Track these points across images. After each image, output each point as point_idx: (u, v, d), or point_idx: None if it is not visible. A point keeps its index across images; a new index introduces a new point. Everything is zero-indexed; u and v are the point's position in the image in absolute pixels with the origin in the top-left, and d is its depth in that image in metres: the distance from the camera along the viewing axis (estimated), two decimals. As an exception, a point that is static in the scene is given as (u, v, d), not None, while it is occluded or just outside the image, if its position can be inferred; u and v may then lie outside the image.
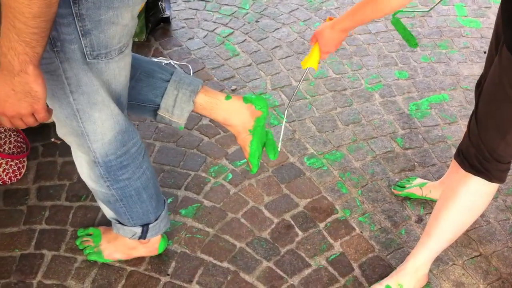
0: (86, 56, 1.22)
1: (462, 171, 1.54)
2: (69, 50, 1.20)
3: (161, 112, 1.60)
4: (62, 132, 1.43)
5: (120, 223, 1.72)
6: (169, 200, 2.06)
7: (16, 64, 1.05)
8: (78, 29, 1.17)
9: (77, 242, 1.90)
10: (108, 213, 1.72)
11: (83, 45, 1.20)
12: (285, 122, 1.53)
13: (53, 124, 2.30)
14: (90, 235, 1.90)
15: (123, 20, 1.22)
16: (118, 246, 1.84)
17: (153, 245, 1.84)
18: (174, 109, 1.61)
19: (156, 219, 1.74)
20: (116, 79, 1.34)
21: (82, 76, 1.26)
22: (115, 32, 1.22)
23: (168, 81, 1.59)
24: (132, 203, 1.62)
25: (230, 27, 2.91)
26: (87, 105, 1.32)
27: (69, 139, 1.45)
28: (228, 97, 1.66)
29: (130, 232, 1.73)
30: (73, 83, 1.27)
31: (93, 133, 1.39)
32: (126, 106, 1.47)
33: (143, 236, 1.74)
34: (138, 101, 1.60)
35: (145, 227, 1.72)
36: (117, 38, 1.24)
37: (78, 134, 1.39)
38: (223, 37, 2.85)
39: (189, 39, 2.84)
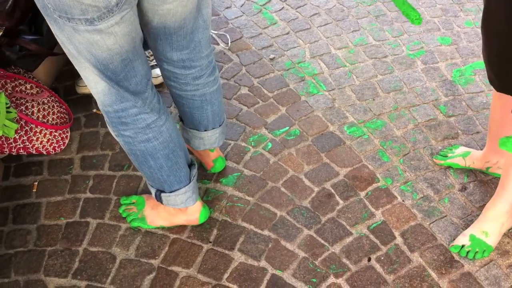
0: (51, 12, 1.26)
1: None
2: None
3: (180, 124, 1.95)
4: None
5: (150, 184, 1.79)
6: (207, 182, 2.07)
7: None
8: None
9: (120, 210, 1.93)
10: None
11: (45, 0, 1.24)
12: None
13: (94, 95, 2.34)
14: (133, 203, 1.93)
15: None
16: (160, 212, 1.87)
17: (193, 215, 1.86)
18: (190, 139, 1.94)
19: (171, 192, 1.75)
20: (95, 47, 1.33)
21: (54, 26, 1.30)
22: (70, 3, 1.21)
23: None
24: (140, 163, 1.66)
25: (268, -5, 2.87)
26: (75, 52, 1.36)
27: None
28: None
29: (149, 189, 1.79)
30: (51, 24, 1.31)
31: (86, 79, 1.45)
32: (126, 75, 1.45)
33: (158, 199, 1.78)
34: (180, 106, 1.82)
35: (158, 192, 1.76)
36: (77, 9, 1.22)
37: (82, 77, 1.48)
38: (261, 5, 2.82)
39: (227, 8, 2.82)
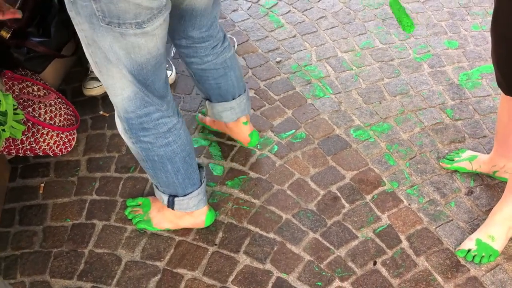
0: (99, 19, 1.25)
1: None
2: (82, 7, 1.24)
3: (208, 105, 1.99)
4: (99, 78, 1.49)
5: (154, 184, 1.79)
6: (217, 172, 2.07)
7: None
8: None
9: (126, 212, 1.93)
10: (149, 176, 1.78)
11: (94, 8, 1.23)
12: None
13: (101, 97, 2.35)
14: (139, 205, 1.94)
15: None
16: (166, 215, 1.87)
17: (199, 217, 1.86)
18: (222, 113, 2.00)
19: (185, 195, 1.76)
20: (136, 51, 1.34)
21: (96, 33, 1.29)
22: (127, 8, 1.22)
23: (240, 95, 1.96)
24: (157, 169, 1.66)
25: (274, -2, 2.88)
26: (104, 60, 1.36)
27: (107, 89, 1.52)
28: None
29: (159, 196, 1.78)
30: (88, 36, 1.31)
31: (112, 86, 1.45)
32: (155, 78, 1.47)
33: (170, 205, 1.78)
34: (205, 81, 1.88)
35: (171, 198, 1.76)
36: (131, 13, 1.24)
37: (104, 85, 1.48)
38: (267, 8, 2.82)
39: (233, 11, 2.82)
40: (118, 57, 1.35)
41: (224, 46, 1.83)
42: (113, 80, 1.43)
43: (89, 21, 1.27)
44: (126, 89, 1.45)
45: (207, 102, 2.02)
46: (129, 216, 1.92)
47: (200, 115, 2.24)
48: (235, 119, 2.03)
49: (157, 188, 1.79)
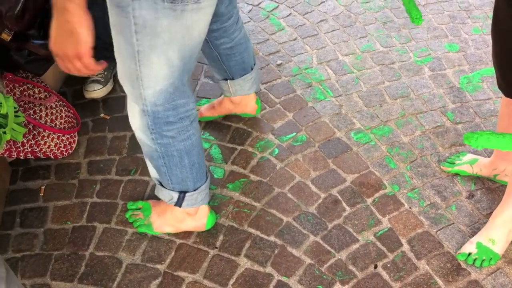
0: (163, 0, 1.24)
1: None
2: None
3: (230, 83, 2.06)
4: (121, 74, 1.47)
5: (161, 184, 1.76)
6: (218, 175, 2.07)
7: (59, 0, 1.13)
8: None
9: (127, 215, 1.93)
10: (152, 172, 1.75)
11: None
12: None
13: (102, 100, 2.36)
14: (140, 208, 1.94)
15: None
16: (167, 219, 1.87)
17: (200, 220, 1.86)
18: (244, 86, 2.08)
19: (195, 190, 1.75)
20: (187, 31, 1.33)
21: (150, 17, 1.26)
22: None
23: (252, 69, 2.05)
24: (173, 164, 1.64)
25: (275, 1, 2.88)
26: (148, 48, 1.33)
27: (125, 85, 1.49)
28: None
29: (168, 195, 1.76)
30: (139, 23, 1.28)
31: (147, 77, 1.41)
32: (191, 67, 1.48)
33: (178, 203, 1.76)
34: (232, 59, 1.96)
35: (182, 194, 1.74)
36: None
37: (133, 78, 1.42)
38: (268, 11, 2.82)
39: (234, 14, 2.82)
40: (171, 40, 1.33)
41: (238, 18, 1.91)
42: (150, 71, 1.39)
43: (152, 3, 1.25)
44: (164, 79, 1.43)
45: (228, 81, 2.06)
46: (130, 220, 1.92)
47: None
48: (256, 88, 2.14)
49: (165, 187, 1.76)
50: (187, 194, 1.75)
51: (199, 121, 2.22)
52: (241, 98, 2.16)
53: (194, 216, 1.85)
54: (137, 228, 1.90)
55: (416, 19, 1.57)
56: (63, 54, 1.22)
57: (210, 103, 2.26)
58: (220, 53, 1.96)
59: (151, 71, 1.39)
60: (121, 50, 1.39)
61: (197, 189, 1.75)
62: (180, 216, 1.84)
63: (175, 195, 1.75)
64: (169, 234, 1.89)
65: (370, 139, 2.19)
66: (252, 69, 2.07)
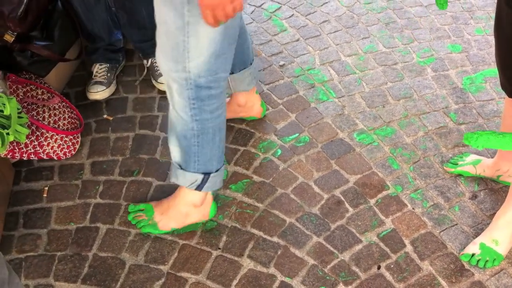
0: None
1: None
2: None
3: (230, 79, 2.06)
4: (165, 50, 1.51)
5: (182, 169, 1.77)
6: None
7: None
8: None
9: (130, 217, 1.93)
10: (176, 155, 1.76)
11: None
12: None
13: (105, 101, 2.36)
14: (142, 210, 1.94)
15: None
16: (171, 215, 1.87)
17: (205, 209, 1.88)
18: (244, 81, 2.09)
19: (217, 171, 1.79)
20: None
21: None
22: None
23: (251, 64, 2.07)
24: (206, 142, 1.69)
25: (278, 2, 2.88)
26: (197, 18, 1.38)
27: (167, 61, 1.53)
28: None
29: (191, 178, 1.77)
30: None
31: (194, 48, 1.46)
32: (234, 35, 1.54)
33: (200, 186, 1.78)
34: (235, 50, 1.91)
35: (205, 176, 1.77)
36: None
37: (179, 50, 1.47)
38: (271, 12, 2.82)
39: (237, 15, 2.82)
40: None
41: None
42: (197, 41, 1.44)
43: None
44: (208, 49, 1.47)
45: (228, 77, 2.02)
46: (133, 222, 1.92)
47: None
48: (255, 83, 2.14)
49: (188, 171, 1.76)
50: (210, 176, 1.77)
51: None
52: (247, 100, 2.17)
53: (200, 207, 1.86)
54: (141, 229, 1.90)
55: (440, 4, 1.58)
56: (219, 2, 1.27)
57: None
58: None
59: (198, 42, 1.45)
60: (170, 24, 1.43)
61: (218, 170, 1.79)
62: (184, 210, 1.85)
63: (200, 177, 1.77)
64: (172, 234, 1.89)
65: (373, 140, 2.19)
66: (251, 64, 2.08)
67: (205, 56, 1.49)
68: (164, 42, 1.51)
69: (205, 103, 1.59)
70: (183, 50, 1.47)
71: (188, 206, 1.85)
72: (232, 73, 2.06)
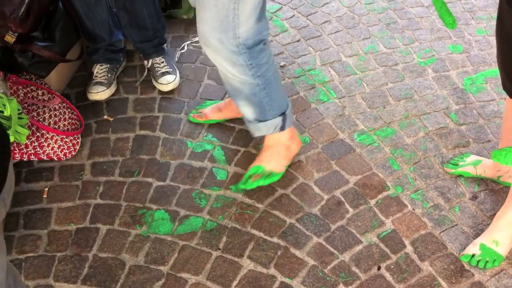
0: None
1: None
2: None
3: None
4: (213, 24, 1.60)
5: (261, 121, 1.89)
6: (221, 176, 2.07)
7: None
8: None
9: (248, 186, 2.01)
10: (250, 113, 1.88)
11: None
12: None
13: (105, 102, 2.36)
14: (251, 175, 2.01)
15: None
16: (277, 156, 2.01)
17: (296, 139, 2.05)
18: None
19: (287, 106, 1.93)
20: None
21: None
22: None
23: None
24: (273, 88, 1.82)
25: (278, 3, 2.88)
26: None
27: (215, 34, 1.62)
28: None
29: (272, 125, 1.91)
30: None
31: (242, 15, 1.58)
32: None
33: (283, 125, 1.93)
34: None
35: (283, 116, 1.91)
36: None
37: (229, 19, 1.58)
38: (271, 12, 2.82)
39: (237, 15, 2.82)
40: None
41: None
42: (245, 7, 1.57)
43: None
44: (253, 12, 1.59)
45: None
46: (250, 186, 2.00)
47: (193, 114, 2.27)
48: None
49: (267, 120, 1.88)
50: (286, 113, 1.91)
51: (203, 123, 2.24)
52: None
53: (292, 139, 2.01)
54: (265, 181, 2.00)
55: (449, 24, 1.59)
56: None
57: (216, 105, 2.26)
58: None
59: (245, 7, 1.57)
60: None
61: (288, 105, 1.93)
62: (285, 143, 2.00)
63: (279, 120, 1.90)
64: (172, 235, 1.89)
65: (373, 141, 2.19)
66: None
67: (252, 19, 1.61)
68: (213, 16, 1.59)
69: (259, 59, 1.72)
70: (233, 18, 1.58)
71: (284, 144, 1.99)
72: None
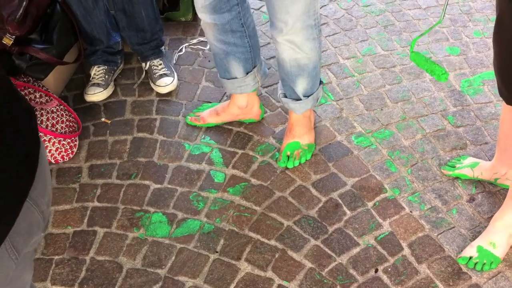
0: None
1: None
2: None
3: (257, 68, 2.14)
4: (306, 11, 1.74)
5: (308, 96, 2.02)
6: (219, 179, 2.07)
7: None
8: None
9: (290, 164, 2.10)
10: (303, 89, 2.00)
11: None
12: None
13: (103, 104, 2.36)
14: (289, 154, 2.11)
15: None
16: (308, 129, 2.14)
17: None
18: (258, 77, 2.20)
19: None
20: None
21: None
22: None
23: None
24: (319, 59, 1.97)
25: (276, 5, 2.87)
26: None
27: (304, 21, 1.77)
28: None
29: (316, 96, 2.07)
30: None
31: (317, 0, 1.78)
32: None
33: (319, 97, 2.10)
34: (255, 35, 2.09)
35: (321, 84, 2.08)
36: None
37: (313, 4, 1.75)
38: (269, 15, 2.82)
39: (235, 17, 2.82)
40: None
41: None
42: None
43: None
44: None
45: (255, 68, 2.12)
46: (294, 163, 2.10)
47: (191, 117, 2.27)
48: (259, 84, 2.19)
49: (315, 90, 2.03)
50: (322, 82, 2.09)
51: (200, 127, 2.24)
52: (247, 103, 2.18)
53: (312, 111, 2.16)
54: (309, 155, 2.13)
55: (442, 75, 1.59)
56: None
57: (213, 108, 2.26)
58: (249, 35, 2.02)
59: None
60: None
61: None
62: (308, 114, 2.12)
63: (320, 89, 2.07)
64: (170, 238, 1.89)
65: (371, 143, 2.19)
66: (260, 64, 2.18)
67: (319, 3, 1.81)
68: (307, 4, 1.73)
69: (320, 32, 1.89)
70: (315, 3, 1.76)
71: (307, 116, 2.12)
72: (257, 64, 2.12)
